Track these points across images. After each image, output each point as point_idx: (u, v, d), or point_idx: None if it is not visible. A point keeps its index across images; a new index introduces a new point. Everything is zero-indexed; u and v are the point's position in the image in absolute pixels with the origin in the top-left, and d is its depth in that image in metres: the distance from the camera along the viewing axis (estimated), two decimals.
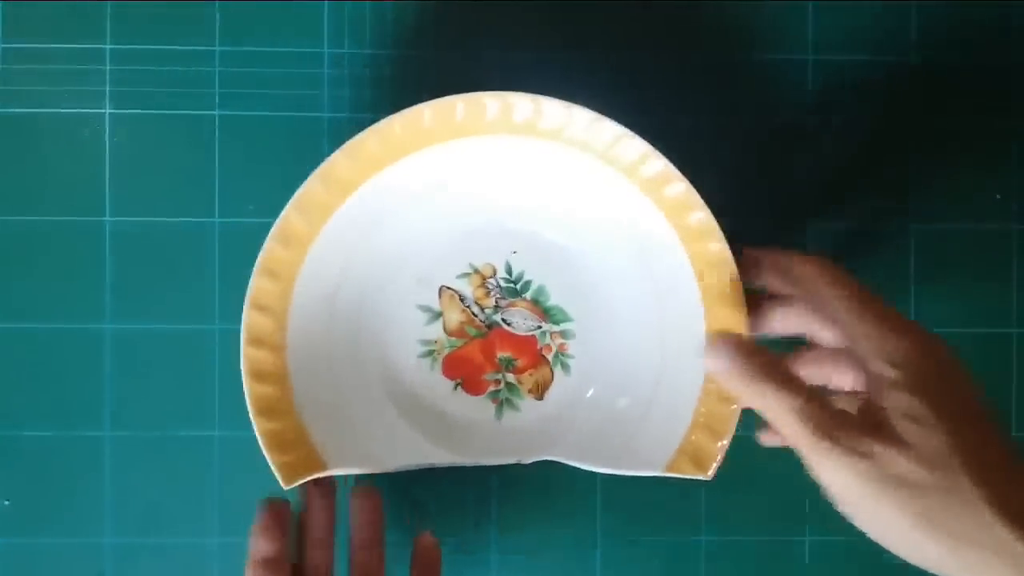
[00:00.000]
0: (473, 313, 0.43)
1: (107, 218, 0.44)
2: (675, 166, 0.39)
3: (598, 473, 0.40)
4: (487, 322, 0.44)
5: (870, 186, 0.46)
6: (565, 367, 0.44)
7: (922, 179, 0.46)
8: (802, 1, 0.45)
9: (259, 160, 0.44)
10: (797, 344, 0.38)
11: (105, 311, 0.44)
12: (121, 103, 0.44)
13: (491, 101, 0.39)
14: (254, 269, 0.39)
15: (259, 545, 0.37)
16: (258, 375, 0.39)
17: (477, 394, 0.43)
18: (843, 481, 0.31)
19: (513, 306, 0.44)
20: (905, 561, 0.31)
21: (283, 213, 0.39)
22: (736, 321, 0.39)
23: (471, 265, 0.43)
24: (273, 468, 0.38)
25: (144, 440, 0.44)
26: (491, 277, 0.43)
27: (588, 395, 0.43)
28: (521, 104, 0.39)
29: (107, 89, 0.44)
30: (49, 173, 0.44)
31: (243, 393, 0.39)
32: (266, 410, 0.39)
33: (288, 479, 0.39)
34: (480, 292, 0.43)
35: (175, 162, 0.44)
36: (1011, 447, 0.31)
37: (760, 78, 0.45)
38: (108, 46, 0.44)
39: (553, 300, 0.44)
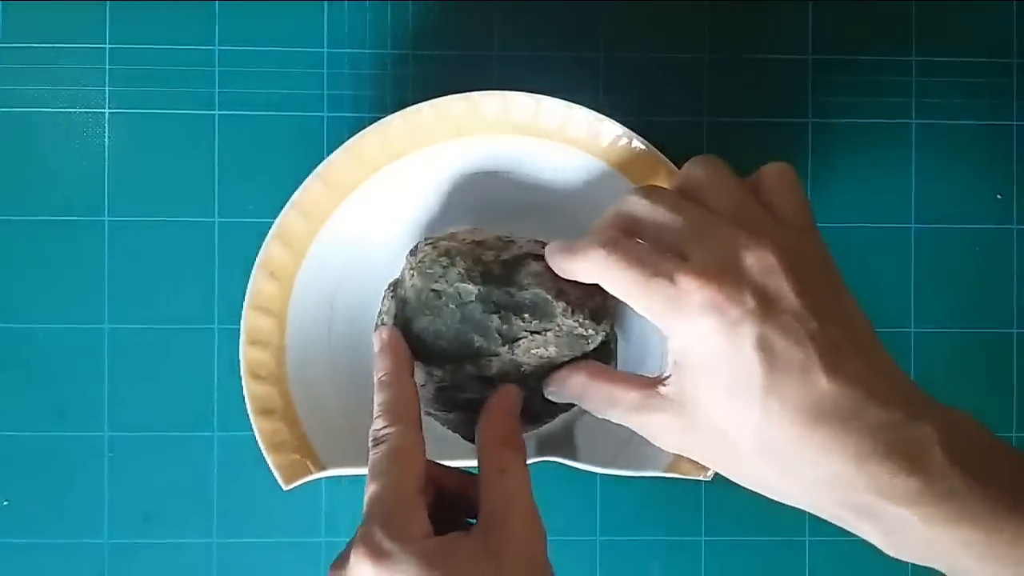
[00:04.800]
0: None
1: (107, 218, 0.44)
2: (675, 166, 0.39)
3: (598, 473, 0.40)
4: None
5: (870, 186, 0.46)
6: None
7: (922, 178, 0.46)
8: (802, 1, 0.45)
9: (259, 160, 0.44)
10: None
11: (104, 311, 0.44)
12: (121, 103, 0.44)
13: (491, 101, 0.39)
14: (254, 269, 0.39)
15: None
16: (257, 375, 0.39)
17: None
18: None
19: None
20: (901, 562, 0.31)
21: (283, 213, 0.39)
22: None
23: None
24: (272, 468, 0.38)
25: (144, 440, 0.44)
26: None
27: None
28: (521, 104, 0.39)
29: (107, 89, 0.44)
30: (49, 173, 0.44)
31: (242, 393, 0.39)
32: (265, 410, 0.39)
33: (288, 479, 0.39)
34: None
35: (175, 162, 0.44)
36: None
37: (760, 77, 0.45)
38: (108, 46, 0.44)
39: None
